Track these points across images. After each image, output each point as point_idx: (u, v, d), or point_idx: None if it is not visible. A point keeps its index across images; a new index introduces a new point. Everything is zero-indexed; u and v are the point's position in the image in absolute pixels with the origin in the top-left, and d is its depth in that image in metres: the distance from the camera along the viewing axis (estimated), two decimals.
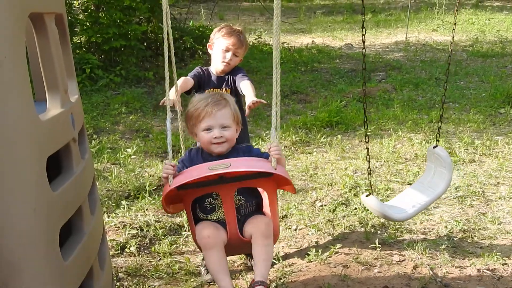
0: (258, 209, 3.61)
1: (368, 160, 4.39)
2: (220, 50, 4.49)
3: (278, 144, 3.31)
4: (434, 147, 4.44)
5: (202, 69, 4.58)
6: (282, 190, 5.17)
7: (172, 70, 3.61)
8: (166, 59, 3.56)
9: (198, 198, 3.45)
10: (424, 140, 7.74)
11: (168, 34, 3.58)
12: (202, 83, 4.51)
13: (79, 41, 11.87)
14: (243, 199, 3.55)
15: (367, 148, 4.36)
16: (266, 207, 3.58)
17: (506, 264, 4.52)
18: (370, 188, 4.45)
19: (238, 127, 3.60)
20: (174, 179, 3.26)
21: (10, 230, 2.18)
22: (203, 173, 3.18)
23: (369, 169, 4.40)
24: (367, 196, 4.30)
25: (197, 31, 13.61)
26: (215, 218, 3.51)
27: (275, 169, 3.20)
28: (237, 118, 3.56)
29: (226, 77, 4.55)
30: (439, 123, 4.52)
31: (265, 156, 3.40)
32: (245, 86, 4.38)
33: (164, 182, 3.36)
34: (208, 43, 4.56)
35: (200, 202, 3.51)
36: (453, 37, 4.77)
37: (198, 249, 4.76)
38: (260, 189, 3.64)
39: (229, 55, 4.49)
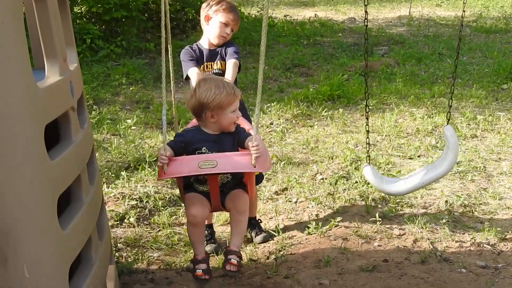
0: (242, 183, 3.86)
1: (367, 130, 4.35)
2: (218, 24, 4.42)
3: (259, 143, 3.50)
4: (445, 126, 4.37)
5: (192, 48, 4.51)
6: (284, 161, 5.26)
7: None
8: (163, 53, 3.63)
9: None
10: (426, 114, 7.71)
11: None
12: (197, 61, 4.47)
13: (79, 11, 11.78)
14: (230, 176, 3.80)
15: (367, 118, 4.31)
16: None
17: (506, 239, 4.52)
18: (368, 157, 4.39)
19: None
20: (168, 167, 3.52)
21: (8, 199, 2.16)
22: (193, 171, 3.51)
23: (367, 139, 4.36)
24: (365, 165, 4.26)
25: (199, 2, 13.50)
26: (205, 189, 3.76)
27: (255, 167, 3.49)
28: None
29: (218, 49, 4.48)
30: (450, 101, 4.44)
31: (248, 135, 3.65)
32: (229, 66, 4.36)
33: (158, 167, 3.63)
34: (204, 15, 4.48)
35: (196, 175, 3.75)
36: (464, 11, 4.69)
37: None
38: None
39: (228, 29, 4.44)
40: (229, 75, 4.26)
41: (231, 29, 4.46)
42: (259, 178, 4.55)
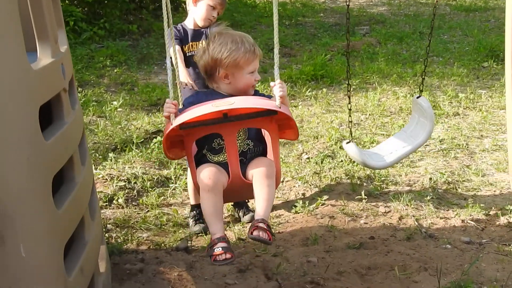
0: (264, 155, 3.58)
1: (349, 108, 4.41)
2: (206, 7, 4.45)
3: (282, 82, 3.28)
4: (417, 97, 4.45)
5: (176, 28, 4.53)
6: None
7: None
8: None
9: (206, 138, 3.43)
10: (409, 93, 7.79)
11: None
12: (181, 41, 4.49)
13: None
14: (251, 144, 3.52)
15: (349, 97, 4.36)
16: (269, 153, 3.56)
17: (489, 214, 4.61)
18: (350, 135, 4.45)
19: None
20: (176, 117, 3.21)
21: (4, 180, 2.19)
22: (207, 110, 3.15)
23: (350, 118, 4.42)
24: (347, 143, 4.29)
25: None
26: (221, 159, 3.47)
27: (279, 108, 3.19)
28: None
29: (203, 30, 4.53)
30: (423, 74, 4.54)
31: (269, 97, 3.43)
32: None
33: (165, 122, 3.33)
34: None
35: (208, 141, 3.47)
36: None
37: (185, 201, 4.83)
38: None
39: (215, 13, 4.48)
40: None
41: (218, 13, 4.51)
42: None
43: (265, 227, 3.19)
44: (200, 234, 4.45)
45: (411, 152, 4.42)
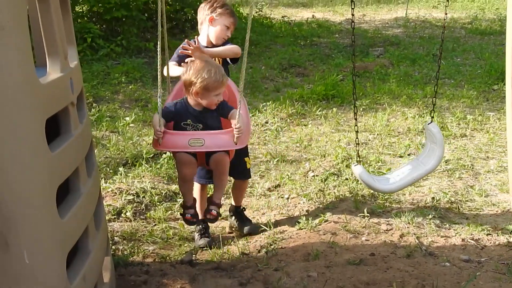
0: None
1: (356, 130, 4.51)
2: (222, 27, 4.61)
3: (240, 128, 3.95)
4: (429, 123, 4.53)
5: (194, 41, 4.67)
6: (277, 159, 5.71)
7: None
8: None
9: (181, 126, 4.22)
10: (418, 114, 7.86)
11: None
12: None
13: (81, 10, 11.92)
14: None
15: (355, 119, 4.46)
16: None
17: (490, 234, 4.66)
18: (358, 157, 4.57)
19: None
20: (163, 140, 4.00)
21: (10, 187, 2.30)
22: (184, 148, 4.01)
23: (357, 139, 4.52)
24: (355, 165, 4.42)
25: (198, 3, 13.63)
26: None
27: (236, 144, 4.00)
28: None
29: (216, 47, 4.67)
30: (434, 99, 4.61)
31: (231, 108, 4.15)
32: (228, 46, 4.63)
33: (153, 139, 4.10)
34: (209, 17, 4.63)
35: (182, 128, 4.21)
36: (446, 13, 4.86)
37: None
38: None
39: (229, 32, 4.65)
40: (221, 47, 4.59)
41: (231, 32, 4.67)
42: (247, 172, 4.94)
43: (216, 211, 4.31)
44: (205, 248, 4.56)
45: (420, 177, 4.50)
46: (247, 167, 4.83)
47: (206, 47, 4.60)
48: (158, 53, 4.08)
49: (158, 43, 4.06)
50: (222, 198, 4.59)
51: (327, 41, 13.72)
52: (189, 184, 4.37)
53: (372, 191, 5.34)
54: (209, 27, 4.61)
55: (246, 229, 4.85)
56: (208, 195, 4.62)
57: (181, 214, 4.45)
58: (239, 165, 4.70)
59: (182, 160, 4.16)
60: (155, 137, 4.02)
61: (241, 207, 5.04)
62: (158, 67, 4.11)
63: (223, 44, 4.63)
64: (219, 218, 4.46)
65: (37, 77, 2.40)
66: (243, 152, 4.79)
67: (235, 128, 3.94)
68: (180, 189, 4.45)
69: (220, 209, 4.40)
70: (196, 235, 4.69)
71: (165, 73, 4.46)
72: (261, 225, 4.91)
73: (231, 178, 4.86)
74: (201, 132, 4.06)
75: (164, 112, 4.09)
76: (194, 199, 4.47)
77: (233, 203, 5.02)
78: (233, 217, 4.98)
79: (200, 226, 4.70)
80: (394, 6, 19.85)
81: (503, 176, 5.84)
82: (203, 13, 4.66)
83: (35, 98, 2.39)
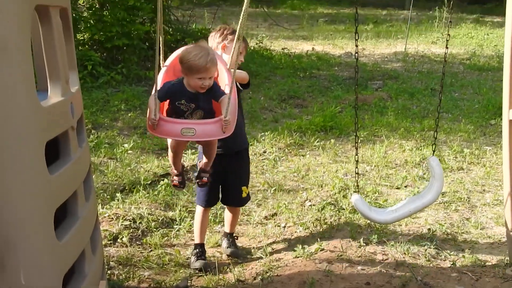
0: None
1: (356, 160, 4.55)
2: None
3: (228, 120, 4.04)
4: (430, 157, 4.57)
5: None
6: (275, 188, 5.56)
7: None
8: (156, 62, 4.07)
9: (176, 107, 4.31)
10: (415, 147, 7.91)
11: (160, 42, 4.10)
12: None
13: (82, 38, 12.00)
14: (203, 115, 4.28)
15: (356, 149, 4.51)
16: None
17: (485, 266, 4.69)
18: (357, 187, 4.60)
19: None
20: (157, 127, 4.07)
21: (8, 209, 2.32)
22: (176, 136, 4.15)
23: (356, 169, 4.56)
24: (353, 195, 4.45)
25: (199, 33, 13.76)
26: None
27: (224, 133, 4.09)
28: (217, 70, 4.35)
29: None
30: (435, 133, 4.65)
31: (222, 94, 4.18)
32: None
33: (148, 120, 4.13)
34: (222, 45, 4.70)
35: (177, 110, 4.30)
36: (447, 47, 4.94)
37: (188, 243, 4.97)
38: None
39: (242, 57, 4.72)
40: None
41: (243, 56, 4.75)
42: (246, 199, 5.03)
43: (206, 179, 4.56)
44: (200, 274, 4.57)
45: (416, 210, 4.51)
46: (243, 195, 4.89)
47: None
48: (157, 34, 4.12)
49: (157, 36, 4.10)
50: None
51: (326, 73, 13.81)
52: (179, 156, 4.59)
53: (368, 221, 5.36)
54: (222, 54, 4.69)
55: (230, 250, 4.97)
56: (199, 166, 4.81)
57: (170, 181, 4.82)
58: (235, 193, 4.76)
59: (171, 143, 4.43)
60: (149, 123, 4.12)
61: (234, 235, 5.11)
62: (156, 53, 4.10)
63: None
64: (208, 183, 4.64)
65: (38, 100, 2.43)
66: (243, 181, 4.85)
67: (224, 120, 4.05)
68: (170, 159, 4.61)
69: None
70: (192, 258, 4.75)
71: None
72: (260, 255, 4.93)
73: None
74: (192, 121, 4.18)
75: (160, 92, 4.20)
76: (182, 166, 4.72)
77: (227, 230, 5.06)
78: (223, 241, 5.05)
79: (198, 249, 4.78)
80: (393, 40, 19.98)
81: (498, 209, 5.87)
82: (214, 41, 4.73)
83: (36, 120, 2.42)
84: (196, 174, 4.68)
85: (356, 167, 4.57)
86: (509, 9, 4.04)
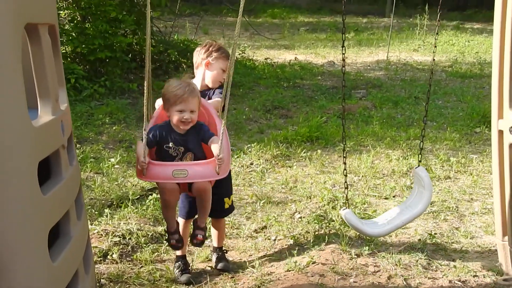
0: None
1: (345, 174, 4.54)
2: (219, 71, 4.68)
3: (222, 158, 4.05)
4: (416, 168, 4.59)
5: None
6: (263, 200, 5.80)
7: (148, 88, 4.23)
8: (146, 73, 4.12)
9: (163, 152, 4.28)
10: (402, 156, 7.92)
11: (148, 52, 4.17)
12: None
13: (64, 51, 11.92)
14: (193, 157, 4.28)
15: (345, 163, 4.51)
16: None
17: (476, 276, 4.69)
18: (346, 201, 4.60)
19: (198, 110, 4.28)
20: (147, 171, 4.05)
21: (2, 231, 2.29)
22: (168, 179, 4.09)
23: (345, 184, 4.55)
24: (344, 209, 4.44)
25: (182, 45, 13.74)
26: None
27: (218, 174, 4.10)
28: (199, 104, 4.28)
29: (207, 92, 4.72)
30: (421, 143, 4.67)
31: (212, 135, 4.22)
32: (214, 100, 4.61)
33: (137, 164, 4.10)
34: (205, 62, 4.69)
35: (164, 154, 4.28)
36: (434, 59, 4.96)
37: None
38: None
39: (225, 75, 4.68)
40: (215, 101, 4.59)
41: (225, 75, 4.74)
42: (229, 209, 5.02)
43: (202, 236, 4.44)
44: (186, 287, 4.55)
45: (408, 221, 4.54)
46: (225, 207, 4.86)
47: (202, 90, 4.65)
48: (145, 84, 4.16)
49: (146, 77, 4.14)
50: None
51: (310, 83, 13.83)
52: (172, 210, 4.44)
53: (358, 233, 5.35)
54: (206, 71, 4.68)
55: (220, 264, 4.91)
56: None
57: (166, 240, 4.64)
58: (217, 204, 4.70)
59: (166, 188, 4.23)
60: (139, 167, 4.08)
61: (223, 248, 5.08)
62: (144, 100, 4.22)
63: (218, 87, 4.68)
64: (205, 241, 4.57)
65: (30, 120, 2.40)
66: (224, 192, 4.81)
67: (217, 159, 4.04)
68: (164, 215, 4.49)
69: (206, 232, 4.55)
70: (177, 272, 4.74)
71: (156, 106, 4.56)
72: (251, 268, 4.89)
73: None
74: (184, 163, 4.16)
75: (150, 140, 4.18)
76: (177, 224, 4.57)
77: (215, 244, 5.03)
78: (213, 255, 5.02)
79: (180, 262, 4.77)
80: (375, 48, 20.07)
81: (487, 218, 5.89)
82: (199, 56, 4.73)
83: (28, 140, 2.39)
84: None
85: (345, 182, 4.56)
86: (497, 22, 4.05)
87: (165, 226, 4.58)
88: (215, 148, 4.10)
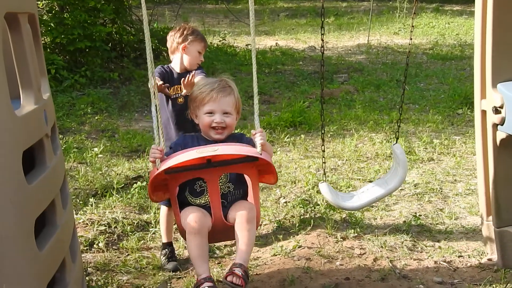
0: (244, 197, 3.77)
1: (323, 150, 4.54)
2: (195, 53, 4.70)
3: (262, 131, 3.50)
4: (393, 144, 4.62)
5: (164, 67, 4.75)
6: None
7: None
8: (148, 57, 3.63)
9: (188, 181, 3.58)
10: (385, 139, 7.95)
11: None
12: (166, 81, 4.66)
13: (43, 42, 11.85)
14: (232, 186, 3.70)
15: (323, 140, 4.50)
16: (250, 196, 3.75)
17: (461, 256, 4.73)
18: (324, 175, 4.60)
19: (238, 115, 3.83)
20: (162, 162, 3.39)
21: None
22: (192, 156, 3.34)
23: (323, 159, 4.56)
24: (321, 183, 4.47)
25: (161, 33, 13.68)
26: (202, 201, 3.64)
27: (260, 154, 3.42)
28: (239, 107, 3.80)
29: (186, 74, 4.71)
30: (399, 121, 4.70)
31: (250, 141, 3.65)
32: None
33: (152, 166, 3.48)
34: (182, 46, 4.69)
35: (190, 184, 3.63)
36: (411, 38, 4.98)
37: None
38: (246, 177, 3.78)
39: (201, 56, 4.75)
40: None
41: (202, 56, 4.78)
42: None
43: (241, 273, 3.37)
44: (179, 276, 4.54)
45: (383, 196, 4.56)
46: None
47: (180, 73, 4.65)
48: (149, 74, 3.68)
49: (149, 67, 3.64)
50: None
51: (291, 68, 13.83)
52: (202, 241, 3.50)
53: (344, 216, 5.39)
54: (183, 55, 4.68)
55: (169, 265, 4.69)
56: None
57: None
58: None
59: (190, 209, 3.56)
60: (150, 159, 3.42)
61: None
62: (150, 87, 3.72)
63: (197, 69, 4.69)
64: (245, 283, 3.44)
65: (13, 110, 2.39)
66: None
67: (257, 133, 3.48)
68: (190, 250, 3.56)
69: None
70: (163, 259, 4.72)
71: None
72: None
73: None
74: (215, 144, 3.52)
75: (171, 150, 3.62)
76: (208, 268, 3.58)
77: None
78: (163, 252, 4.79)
79: (167, 249, 4.76)
80: (355, 33, 20.08)
81: (471, 198, 5.93)
82: (174, 41, 4.73)
83: (12, 130, 2.38)
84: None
85: (323, 156, 4.56)
86: (478, 2, 4.06)
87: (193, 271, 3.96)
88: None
